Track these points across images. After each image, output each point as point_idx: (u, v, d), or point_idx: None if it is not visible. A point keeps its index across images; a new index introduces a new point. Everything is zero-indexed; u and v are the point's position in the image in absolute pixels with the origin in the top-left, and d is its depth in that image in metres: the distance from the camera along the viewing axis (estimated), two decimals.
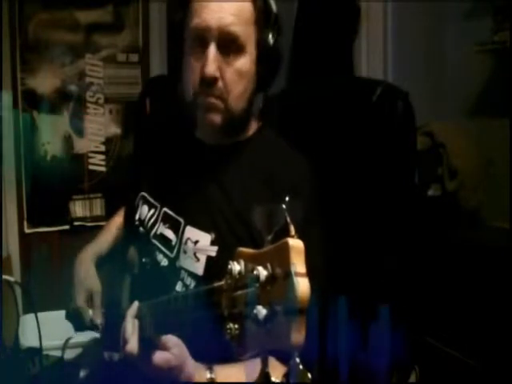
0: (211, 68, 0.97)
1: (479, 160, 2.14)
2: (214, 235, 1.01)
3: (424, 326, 1.81)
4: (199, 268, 1.01)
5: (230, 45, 0.99)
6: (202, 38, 0.99)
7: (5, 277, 1.74)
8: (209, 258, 1.00)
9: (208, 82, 0.99)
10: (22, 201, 2.42)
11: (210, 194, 1.05)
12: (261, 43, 1.02)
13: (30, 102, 2.41)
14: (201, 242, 1.02)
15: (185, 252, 1.03)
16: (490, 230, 2.07)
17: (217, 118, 1.02)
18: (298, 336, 0.52)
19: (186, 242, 1.03)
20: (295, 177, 1.04)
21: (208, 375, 0.89)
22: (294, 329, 0.52)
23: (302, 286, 0.52)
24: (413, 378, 1.31)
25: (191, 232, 1.03)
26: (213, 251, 1.00)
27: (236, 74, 1.00)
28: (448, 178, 2.12)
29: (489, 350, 1.73)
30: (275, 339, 0.54)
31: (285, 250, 0.54)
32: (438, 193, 2.13)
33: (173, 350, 0.86)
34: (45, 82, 2.42)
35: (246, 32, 0.99)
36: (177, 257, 1.05)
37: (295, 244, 0.54)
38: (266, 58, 1.03)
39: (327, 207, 1.08)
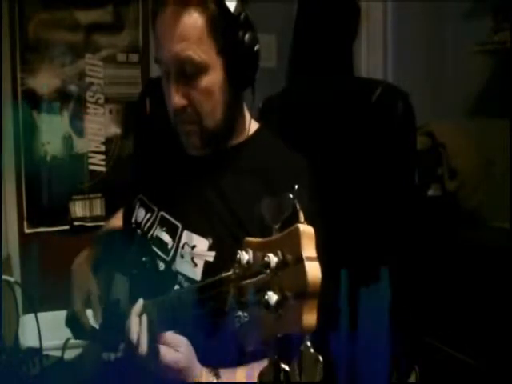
0: (175, 100, 0.99)
1: (479, 160, 2.14)
2: (211, 240, 1.00)
3: (424, 326, 1.81)
4: (197, 273, 1.00)
5: (188, 68, 0.98)
6: (164, 69, 1.01)
7: (5, 277, 1.73)
8: (206, 263, 1.00)
9: (178, 113, 1.01)
10: (22, 201, 2.42)
11: (208, 199, 1.05)
12: (224, 49, 0.99)
13: (30, 101, 2.41)
14: (198, 247, 1.01)
15: (182, 256, 1.02)
16: (490, 230, 2.07)
17: (196, 141, 1.04)
18: (310, 319, 0.53)
19: (183, 247, 1.03)
20: (294, 179, 1.03)
21: (214, 380, 0.89)
22: (305, 313, 0.53)
23: (314, 270, 0.53)
24: (413, 378, 1.31)
25: (188, 237, 1.03)
26: (210, 256, 1.00)
27: (203, 94, 0.99)
28: (448, 178, 2.12)
29: (489, 350, 1.73)
30: (287, 325, 0.54)
31: (295, 236, 0.55)
32: (438, 193, 2.13)
33: (181, 349, 0.85)
34: (45, 82, 2.42)
35: (201, 48, 0.97)
36: (173, 260, 1.04)
37: (306, 229, 0.55)
38: (234, 61, 0.99)
39: (327, 207, 1.08)
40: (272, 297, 0.55)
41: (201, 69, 0.98)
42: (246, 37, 0.98)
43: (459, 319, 1.84)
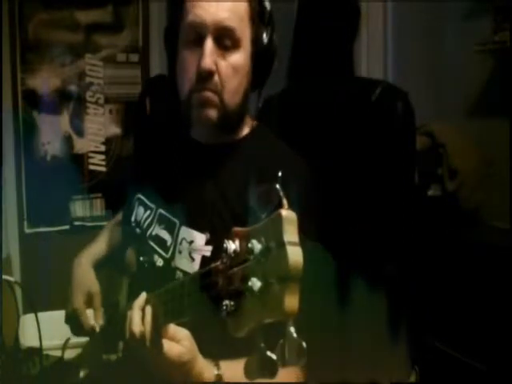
0: (208, 61, 0.97)
1: (479, 160, 2.14)
2: (208, 235, 1.00)
3: (424, 327, 1.81)
4: (194, 268, 1.00)
5: (225, 39, 0.99)
6: (198, 33, 0.99)
7: (5, 277, 1.74)
8: (204, 258, 1.00)
9: (204, 76, 0.99)
10: (22, 201, 2.42)
11: (206, 194, 1.05)
12: (255, 40, 1.02)
13: (30, 101, 2.41)
14: (196, 242, 1.01)
15: (180, 252, 1.03)
16: (490, 229, 2.07)
17: (212, 113, 1.02)
18: (291, 304, 0.53)
19: (181, 243, 1.03)
20: (292, 177, 1.03)
21: (215, 372, 0.89)
22: (287, 298, 0.53)
23: (295, 254, 0.53)
24: (413, 378, 1.31)
25: (186, 232, 1.03)
26: (207, 251, 1.00)
27: (231, 69, 1.00)
28: (448, 178, 2.12)
29: (489, 350, 1.73)
30: (270, 310, 0.54)
31: (278, 221, 0.55)
32: (438, 193, 2.12)
33: (184, 343, 0.85)
34: (45, 82, 2.42)
35: (241, 27, 1.00)
36: (172, 257, 1.04)
37: (288, 215, 0.55)
38: (260, 55, 1.03)
39: (325, 207, 1.08)
40: (256, 283, 0.55)
41: (237, 44, 1.00)
42: (274, 35, 1.05)
43: (459, 319, 1.84)
